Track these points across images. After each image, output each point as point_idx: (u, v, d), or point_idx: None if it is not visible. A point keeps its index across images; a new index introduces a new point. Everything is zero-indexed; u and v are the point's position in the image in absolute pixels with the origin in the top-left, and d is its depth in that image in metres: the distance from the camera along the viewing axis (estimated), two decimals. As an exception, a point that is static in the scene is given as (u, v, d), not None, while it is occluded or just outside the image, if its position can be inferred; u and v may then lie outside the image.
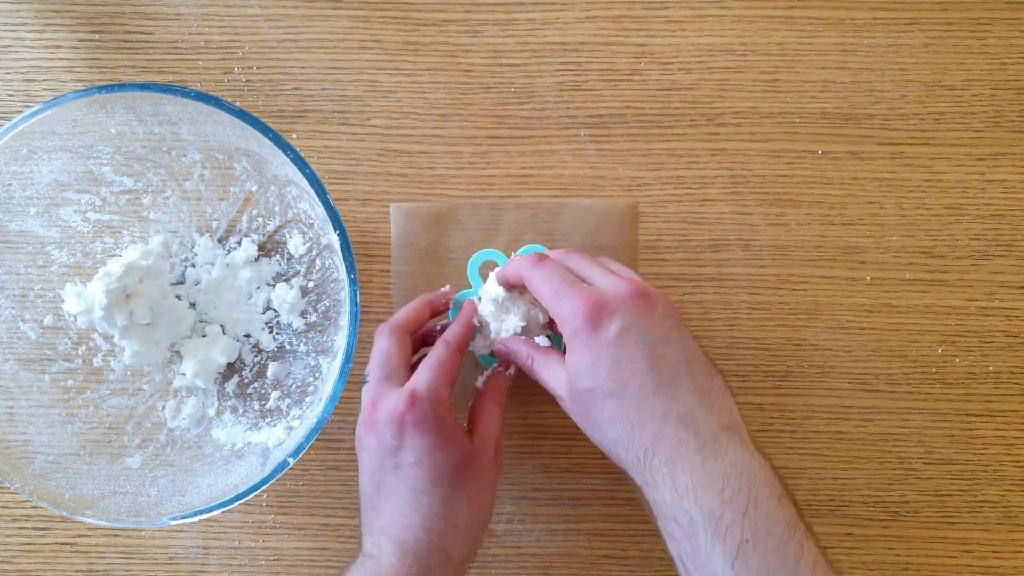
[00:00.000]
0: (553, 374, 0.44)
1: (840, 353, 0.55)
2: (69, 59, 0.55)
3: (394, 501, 0.42)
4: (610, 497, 0.54)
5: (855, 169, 0.55)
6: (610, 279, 0.43)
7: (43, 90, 0.55)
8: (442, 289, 0.51)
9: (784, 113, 0.55)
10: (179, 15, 0.55)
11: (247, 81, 0.55)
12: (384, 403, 0.43)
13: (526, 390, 0.53)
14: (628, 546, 0.54)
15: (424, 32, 0.55)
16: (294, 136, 0.55)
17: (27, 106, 0.55)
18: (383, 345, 0.45)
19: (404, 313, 0.48)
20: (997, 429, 0.54)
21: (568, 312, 0.41)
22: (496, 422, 0.46)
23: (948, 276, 0.55)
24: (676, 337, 0.41)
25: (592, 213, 0.54)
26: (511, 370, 0.50)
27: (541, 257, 0.45)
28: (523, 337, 0.48)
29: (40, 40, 0.55)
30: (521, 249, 0.53)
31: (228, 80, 0.55)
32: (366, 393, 0.44)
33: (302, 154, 0.55)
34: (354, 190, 0.55)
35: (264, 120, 0.55)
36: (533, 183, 0.55)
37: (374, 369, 0.45)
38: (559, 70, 0.55)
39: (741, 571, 0.34)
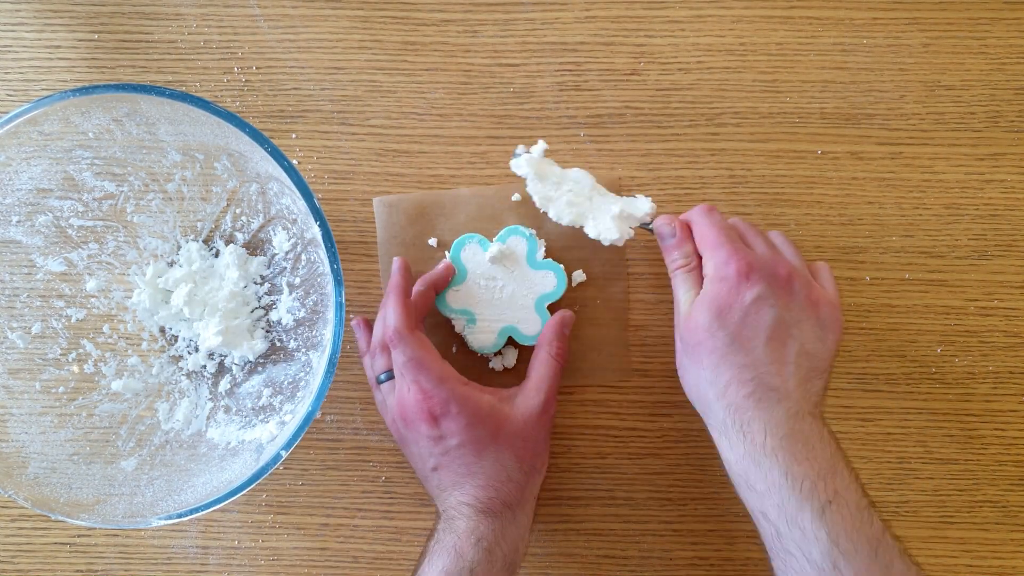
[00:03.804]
0: (688, 292, 0.48)
1: (840, 353, 0.54)
2: (68, 59, 0.55)
3: (452, 474, 0.47)
4: (610, 497, 0.54)
5: (855, 169, 0.55)
6: (769, 251, 0.47)
7: (42, 90, 0.55)
8: (442, 264, 0.53)
9: (783, 113, 0.55)
10: (179, 15, 0.55)
11: (246, 81, 0.55)
12: (405, 400, 0.48)
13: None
14: (628, 546, 0.54)
15: (424, 32, 0.55)
16: (293, 136, 0.55)
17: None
18: (402, 351, 0.48)
19: (405, 309, 0.49)
20: (996, 429, 0.54)
21: (723, 259, 0.46)
22: (549, 377, 0.50)
23: (947, 276, 0.55)
24: (800, 323, 0.45)
25: None
26: (567, 319, 0.53)
27: (711, 208, 0.49)
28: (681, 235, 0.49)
29: (39, 40, 0.55)
30: (503, 231, 0.53)
31: (227, 80, 0.55)
32: (385, 391, 0.50)
33: (302, 154, 0.55)
34: (353, 190, 0.55)
35: (264, 120, 0.55)
36: (532, 183, 0.55)
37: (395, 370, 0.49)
38: (559, 70, 0.55)
39: (829, 525, 0.39)
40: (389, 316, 0.48)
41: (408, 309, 0.48)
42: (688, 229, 0.49)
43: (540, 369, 0.50)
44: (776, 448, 0.42)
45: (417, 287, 0.51)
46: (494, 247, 0.52)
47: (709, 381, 0.45)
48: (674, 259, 0.49)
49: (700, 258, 0.48)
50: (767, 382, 0.43)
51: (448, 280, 0.53)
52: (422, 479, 0.50)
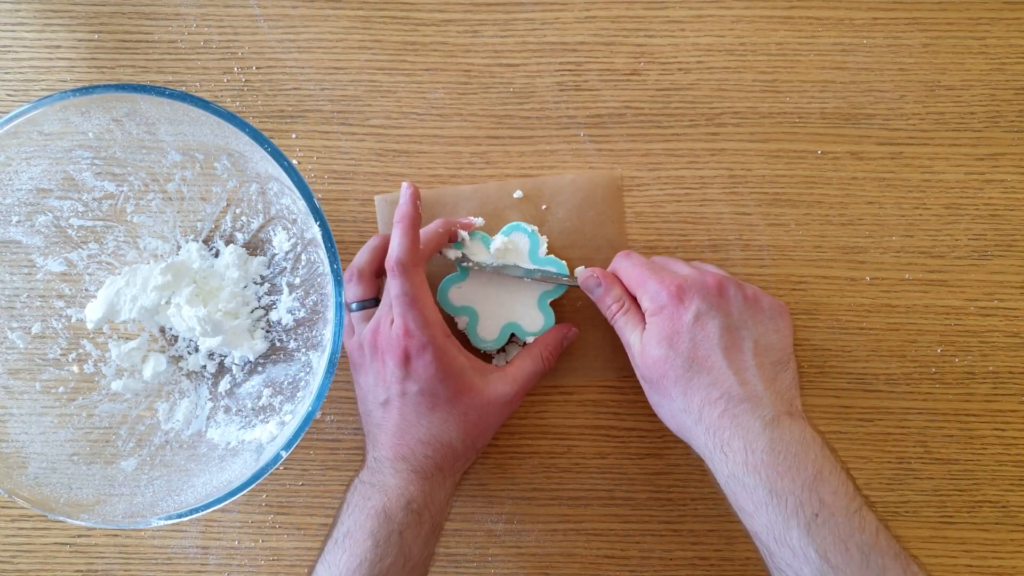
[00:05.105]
0: (634, 332, 0.48)
1: (839, 353, 0.55)
2: (68, 59, 0.55)
3: (398, 417, 0.47)
4: (609, 497, 0.54)
5: (854, 169, 0.55)
6: (693, 270, 0.48)
7: (42, 90, 0.55)
8: (468, 219, 0.53)
9: (783, 113, 0.55)
10: (178, 15, 0.55)
11: (246, 81, 0.55)
12: (384, 331, 0.47)
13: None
14: (628, 546, 0.54)
15: (424, 32, 0.55)
16: (293, 136, 0.55)
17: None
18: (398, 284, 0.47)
19: (413, 241, 0.48)
20: (996, 429, 0.54)
21: (654, 290, 0.47)
22: (529, 374, 0.51)
23: (947, 276, 0.55)
24: (749, 326, 0.46)
25: (576, 188, 0.54)
26: (570, 334, 0.53)
27: (628, 251, 0.51)
28: (614, 277, 0.51)
29: (39, 40, 0.55)
30: (505, 227, 0.53)
31: (227, 80, 0.55)
32: (355, 319, 0.50)
33: (301, 154, 0.55)
34: (353, 190, 0.55)
35: (263, 120, 0.55)
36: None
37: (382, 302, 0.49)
38: (559, 70, 0.55)
39: (817, 541, 0.39)
40: (395, 245, 0.47)
41: (415, 242, 0.48)
42: (612, 275, 0.50)
43: (526, 364, 0.51)
44: (758, 465, 0.41)
45: (435, 225, 0.51)
46: (497, 243, 0.52)
47: (683, 409, 0.45)
48: (608, 305, 0.50)
49: (633, 299, 0.49)
50: (735, 394, 0.44)
51: (468, 228, 0.53)
52: (364, 413, 0.49)
